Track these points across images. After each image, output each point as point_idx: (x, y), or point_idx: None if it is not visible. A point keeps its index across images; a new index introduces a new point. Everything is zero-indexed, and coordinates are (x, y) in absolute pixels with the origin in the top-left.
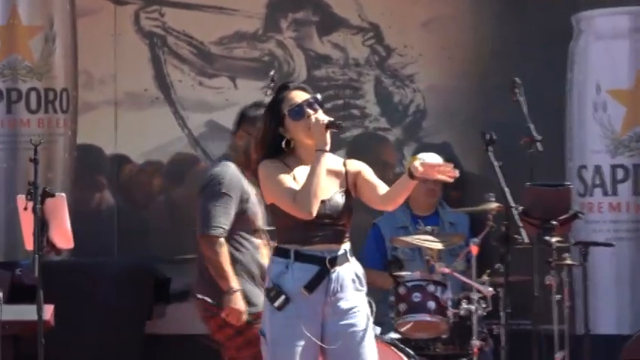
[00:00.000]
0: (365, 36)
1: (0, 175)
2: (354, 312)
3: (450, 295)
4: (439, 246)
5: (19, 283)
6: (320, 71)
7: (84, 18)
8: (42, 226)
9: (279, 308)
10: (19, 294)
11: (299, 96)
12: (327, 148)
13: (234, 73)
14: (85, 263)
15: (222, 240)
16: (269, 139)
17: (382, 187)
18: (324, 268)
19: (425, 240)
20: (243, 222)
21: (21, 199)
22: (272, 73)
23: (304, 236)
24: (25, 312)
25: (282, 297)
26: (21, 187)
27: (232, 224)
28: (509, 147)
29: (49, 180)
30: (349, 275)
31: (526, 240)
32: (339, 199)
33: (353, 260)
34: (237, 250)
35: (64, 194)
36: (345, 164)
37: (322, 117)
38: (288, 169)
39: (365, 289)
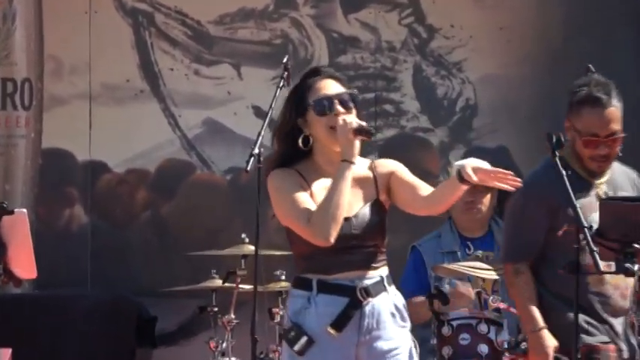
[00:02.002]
0: (402, 13)
1: None
2: (395, 354)
3: (506, 337)
4: (493, 275)
5: None
6: (345, 57)
7: None
8: None
9: (300, 353)
10: None
11: (330, 87)
12: (354, 159)
13: (238, 60)
14: (51, 297)
15: None
16: (285, 131)
17: (424, 188)
18: (355, 299)
19: (475, 268)
20: None
21: None
22: (285, 59)
23: (329, 263)
24: None
25: (304, 339)
26: None
27: None
28: None
29: (6, 193)
30: (387, 308)
31: (601, 268)
32: (368, 213)
33: (392, 289)
34: None
35: (24, 210)
36: (372, 167)
37: (352, 119)
38: (304, 181)
39: (408, 324)
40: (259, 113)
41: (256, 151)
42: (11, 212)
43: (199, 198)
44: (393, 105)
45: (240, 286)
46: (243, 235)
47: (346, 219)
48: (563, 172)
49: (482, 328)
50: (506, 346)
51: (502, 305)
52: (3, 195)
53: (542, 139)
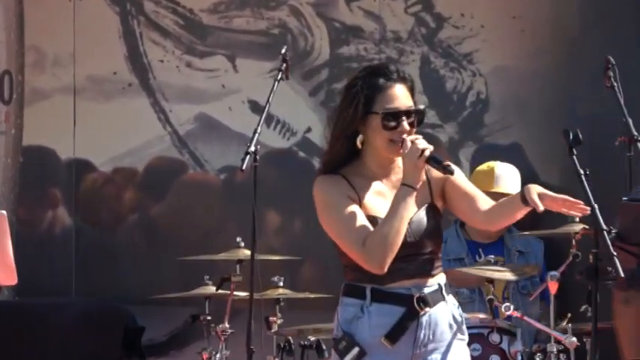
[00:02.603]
0: (408, 1)
1: None
2: None
3: (519, 347)
4: (507, 276)
5: None
6: (348, 48)
7: None
8: None
9: None
10: None
11: (402, 98)
12: (417, 186)
13: (233, 51)
14: (32, 305)
15: None
16: (351, 131)
17: (482, 200)
18: (412, 309)
19: (486, 272)
20: None
21: None
22: (284, 50)
23: (387, 270)
24: None
25: (355, 349)
26: None
27: None
28: (601, 149)
29: None
30: (445, 318)
31: (621, 274)
32: (424, 218)
33: (450, 298)
34: None
35: (4, 212)
36: (425, 169)
37: (425, 145)
38: (352, 189)
39: (466, 337)
40: (256, 108)
41: (252, 148)
42: None
43: (191, 199)
44: None
45: (235, 293)
46: (239, 239)
47: None
48: (581, 172)
49: (494, 337)
50: (520, 357)
51: (515, 313)
52: None
53: (557, 135)
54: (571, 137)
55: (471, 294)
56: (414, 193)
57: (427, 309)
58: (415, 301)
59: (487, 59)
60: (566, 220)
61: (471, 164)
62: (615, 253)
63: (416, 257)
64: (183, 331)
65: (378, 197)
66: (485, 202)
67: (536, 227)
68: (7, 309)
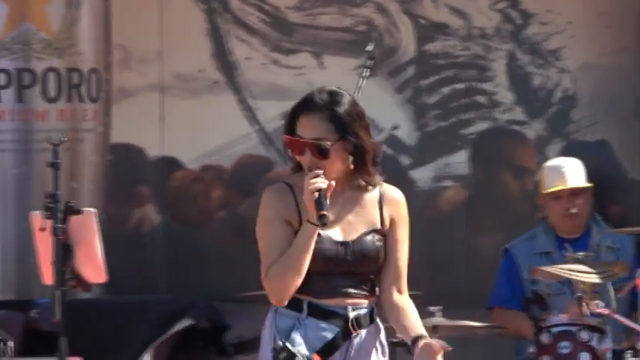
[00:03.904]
0: None
1: (8, 185)
2: None
3: (609, 345)
4: (594, 279)
5: (34, 329)
6: (434, 45)
7: None
8: (65, 252)
9: None
10: (34, 343)
11: (306, 127)
12: (319, 223)
13: (319, 48)
14: (121, 302)
15: None
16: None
17: (395, 273)
18: (347, 329)
19: (575, 270)
20: None
21: (36, 217)
22: (370, 47)
23: (321, 287)
24: None
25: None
26: (36, 200)
27: None
28: None
29: (73, 191)
30: (373, 341)
31: None
32: (367, 240)
33: (378, 321)
34: None
35: (93, 210)
36: (382, 197)
37: (315, 186)
38: (294, 204)
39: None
40: None
41: None
42: (79, 212)
43: None
44: (486, 96)
45: None
46: None
47: (343, 243)
48: None
49: (584, 335)
50: (609, 355)
51: (605, 311)
52: (70, 193)
53: None
54: None
55: (561, 286)
56: (316, 230)
57: (359, 331)
58: (350, 322)
59: (574, 56)
60: None
61: None
62: None
63: (354, 277)
64: None
65: None
66: (393, 278)
67: (628, 224)
68: (97, 306)
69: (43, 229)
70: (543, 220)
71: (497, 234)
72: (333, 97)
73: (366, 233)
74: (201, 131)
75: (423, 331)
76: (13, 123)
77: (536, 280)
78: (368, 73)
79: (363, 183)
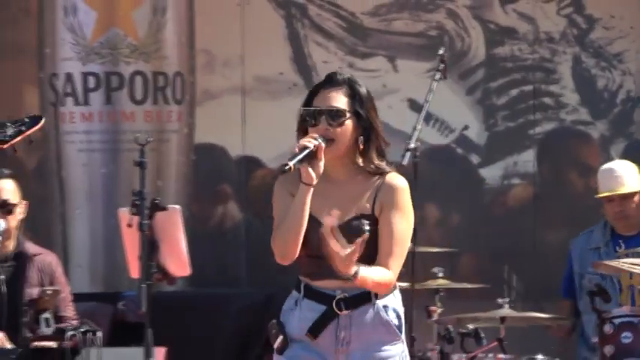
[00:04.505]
0: (560, 3)
1: (97, 183)
2: None
3: None
4: None
5: (122, 320)
6: (503, 49)
7: None
8: (151, 247)
9: (278, 351)
10: (122, 334)
11: (326, 99)
12: (312, 182)
13: (393, 52)
14: (205, 295)
15: None
16: (300, 134)
17: (381, 258)
18: (332, 309)
19: (635, 265)
20: None
21: (124, 214)
22: (441, 51)
23: (314, 269)
24: (130, 356)
25: (280, 337)
26: (123, 198)
27: None
28: None
29: (159, 189)
30: (370, 321)
31: None
32: (359, 226)
33: (384, 300)
34: None
35: (178, 207)
36: (378, 185)
37: (305, 142)
38: (299, 179)
39: (400, 337)
40: (415, 106)
41: (412, 145)
42: (164, 209)
43: None
44: (552, 97)
45: (397, 284)
46: None
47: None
48: None
49: None
50: None
51: None
52: (156, 191)
53: None
54: None
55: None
56: (310, 190)
57: (347, 311)
58: (335, 302)
59: (636, 59)
60: None
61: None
62: None
63: None
64: None
65: (316, 196)
66: (380, 260)
67: None
68: (181, 298)
69: (130, 225)
70: (603, 217)
71: (562, 229)
72: (353, 78)
73: (355, 218)
74: (281, 131)
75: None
76: (101, 124)
77: (583, 273)
78: (439, 76)
79: (366, 170)
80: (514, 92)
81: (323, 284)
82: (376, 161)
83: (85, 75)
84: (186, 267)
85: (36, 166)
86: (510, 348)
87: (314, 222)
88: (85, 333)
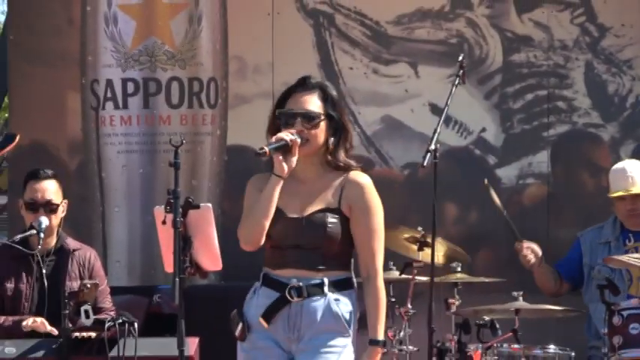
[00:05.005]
0: (574, 12)
1: (135, 183)
2: (326, 352)
3: None
4: None
5: (157, 312)
6: (519, 55)
7: None
8: (184, 243)
9: (239, 338)
10: (157, 325)
11: (300, 102)
12: (283, 174)
13: (415, 59)
14: (235, 288)
15: None
16: (271, 135)
17: (363, 255)
18: (284, 296)
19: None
20: None
21: (159, 212)
22: (461, 58)
23: (273, 259)
24: (165, 346)
25: (240, 325)
26: (159, 196)
27: None
28: None
29: (193, 188)
30: (321, 311)
31: None
32: (322, 218)
33: (338, 294)
34: None
35: (210, 205)
36: (344, 180)
37: (276, 137)
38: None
39: (350, 332)
40: (435, 110)
41: (433, 147)
42: (197, 207)
43: (378, 193)
44: (566, 102)
45: (417, 277)
46: (420, 229)
47: (295, 219)
48: None
49: None
50: None
51: None
52: (190, 190)
53: None
54: None
55: (611, 272)
56: (279, 182)
57: (298, 299)
58: (287, 289)
59: None
60: None
61: None
62: None
63: (302, 250)
64: None
65: (283, 193)
66: (364, 263)
67: None
68: (213, 291)
69: (164, 223)
70: (614, 214)
71: (574, 227)
72: (324, 83)
73: (320, 211)
74: None
75: (373, 334)
76: (139, 127)
77: (593, 265)
78: (459, 81)
79: (333, 168)
80: (529, 97)
81: (281, 272)
82: (343, 158)
83: (125, 81)
84: (218, 262)
85: (78, 167)
86: (524, 338)
87: (280, 215)
88: (122, 324)
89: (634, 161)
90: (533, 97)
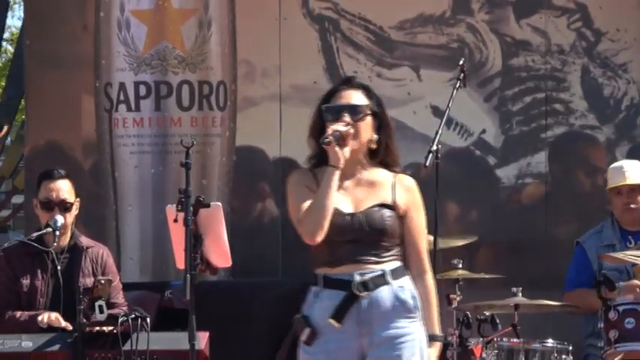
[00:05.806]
0: (570, 18)
1: (147, 183)
2: (399, 342)
3: None
4: None
5: (168, 307)
6: (517, 60)
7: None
8: (195, 240)
9: (307, 343)
10: (168, 319)
11: (346, 97)
12: (338, 164)
13: (417, 63)
14: (244, 284)
15: None
16: (314, 134)
17: (416, 255)
18: (352, 293)
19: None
20: None
21: (171, 210)
22: (462, 62)
23: (332, 257)
24: (176, 340)
25: (307, 330)
26: (171, 195)
27: None
28: None
29: (203, 187)
30: (388, 300)
31: None
32: (377, 212)
33: (397, 282)
34: None
35: (220, 204)
36: (395, 178)
37: (332, 129)
38: (315, 182)
39: (417, 315)
40: (437, 112)
41: (434, 147)
42: (207, 205)
43: None
44: (563, 104)
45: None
46: None
47: (352, 214)
48: None
49: None
50: None
51: None
52: (200, 189)
53: None
54: None
55: (619, 274)
56: (337, 172)
57: (366, 293)
58: (353, 285)
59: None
60: None
61: None
62: None
63: (361, 244)
64: None
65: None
66: (414, 260)
67: None
68: (224, 287)
69: (176, 221)
70: (611, 215)
71: (572, 224)
72: (367, 84)
73: (376, 206)
74: None
75: (431, 330)
76: (151, 129)
77: (602, 269)
78: (460, 85)
79: (377, 164)
80: (528, 99)
81: (341, 270)
82: (394, 153)
83: (137, 84)
84: (228, 259)
85: (91, 167)
86: (523, 333)
87: (334, 211)
88: (135, 319)
89: (633, 161)
90: (531, 99)
